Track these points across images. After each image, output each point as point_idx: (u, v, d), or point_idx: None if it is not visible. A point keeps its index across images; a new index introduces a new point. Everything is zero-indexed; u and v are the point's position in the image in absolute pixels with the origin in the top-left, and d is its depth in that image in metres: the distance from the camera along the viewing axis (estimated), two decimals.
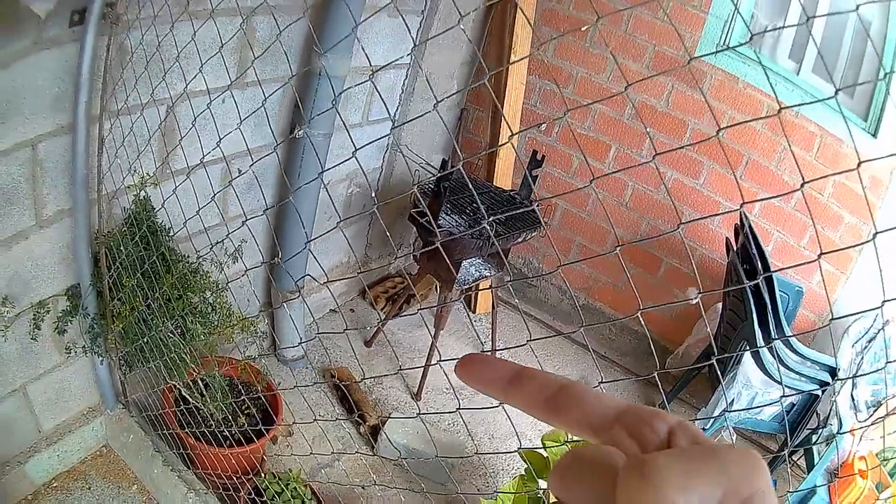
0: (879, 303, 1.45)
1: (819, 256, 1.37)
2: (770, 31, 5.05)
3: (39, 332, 3.29)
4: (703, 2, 4.99)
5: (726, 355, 4.51)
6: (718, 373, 4.44)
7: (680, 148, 5.04)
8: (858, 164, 1.35)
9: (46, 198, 3.09)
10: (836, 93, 1.38)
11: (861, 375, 4.22)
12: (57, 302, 3.38)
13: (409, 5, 4.76)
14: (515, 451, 2.17)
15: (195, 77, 2.89)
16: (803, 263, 4.89)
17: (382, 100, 4.91)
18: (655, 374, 1.76)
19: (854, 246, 4.62)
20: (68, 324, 3.42)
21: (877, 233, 1.31)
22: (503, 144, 5.60)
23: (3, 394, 3.34)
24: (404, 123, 5.31)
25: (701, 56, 5.10)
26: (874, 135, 4.61)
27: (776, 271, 4.67)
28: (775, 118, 4.64)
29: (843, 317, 3.80)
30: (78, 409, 3.82)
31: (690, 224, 5.11)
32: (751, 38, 3.45)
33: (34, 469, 3.61)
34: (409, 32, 4.90)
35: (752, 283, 4.16)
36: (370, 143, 2.58)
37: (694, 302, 1.66)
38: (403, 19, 4.69)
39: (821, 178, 4.13)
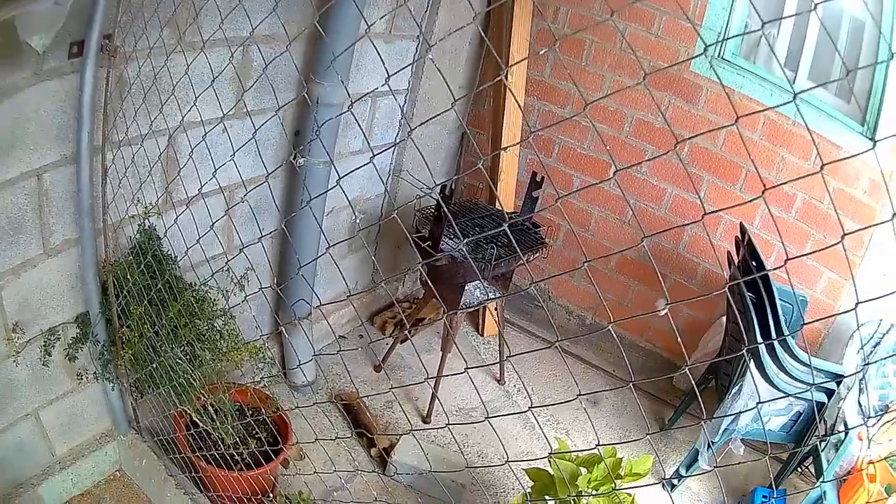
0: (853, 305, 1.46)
1: (842, 237, 1.37)
2: (744, 34, 5.08)
3: (51, 358, 3.34)
4: (696, 15, 5.01)
5: (735, 356, 4.52)
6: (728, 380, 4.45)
7: (656, 158, 5.07)
8: (822, 167, 1.38)
9: (53, 227, 3.14)
10: (795, 97, 1.39)
11: (862, 378, 4.23)
12: (67, 329, 3.42)
13: (404, 31, 4.79)
14: (505, 464, 2.18)
15: (190, 109, 2.92)
16: (803, 253, 4.89)
17: (360, 126, 4.92)
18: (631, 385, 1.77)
19: (869, 227, 4.59)
20: (79, 350, 3.47)
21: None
22: (493, 154, 5.62)
23: (16, 417, 3.38)
24: (398, 143, 5.33)
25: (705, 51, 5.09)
26: (872, 139, 4.62)
27: (773, 270, 4.68)
28: (774, 126, 4.66)
29: (844, 312, 3.79)
30: (91, 433, 3.85)
31: (692, 239, 5.14)
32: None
33: (48, 492, 3.64)
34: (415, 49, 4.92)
35: (747, 290, 4.18)
36: (356, 169, 2.60)
37: (662, 314, 1.68)
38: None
39: (786, 181, 4.16)
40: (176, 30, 3.07)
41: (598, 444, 2.05)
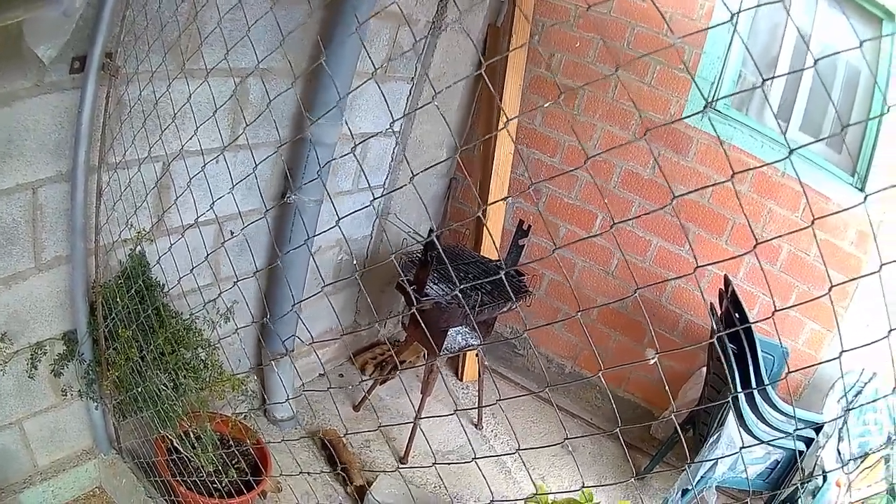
0: (837, 353, 1.48)
1: (829, 289, 1.41)
2: (749, 90, 5.13)
3: (37, 371, 3.35)
4: (690, 65, 5.07)
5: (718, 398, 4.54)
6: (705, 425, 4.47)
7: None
8: (812, 221, 1.41)
9: (45, 242, 3.16)
10: (791, 152, 1.42)
11: (842, 426, 4.26)
12: (54, 344, 3.44)
13: (399, 72, 4.84)
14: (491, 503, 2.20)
15: (191, 138, 2.95)
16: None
17: (361, 167, 4.95)
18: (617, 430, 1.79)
19: (856, 279, 4.63)
20: (64, 367, 3.48)
21: (883, 264, 1.36)
22: (487, 207, 5.66)
23: (0, 425, 3.39)
24: (393, 191, 5.36)
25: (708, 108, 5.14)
26: (862, 189, 4.67)
27: (758, 322, 4.72)
28: (763, 178, 4.71)
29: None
30: (72, 449, 3.85)
31: (675, 291, 5.18)
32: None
33: (28, 500, 3.63)
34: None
35: (729, 339, 4.22)
36: (354, 211, 2.65)
37: (651, 362, 1.71)
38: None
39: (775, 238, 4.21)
40: (178, 55, 3.11)
41: (584, 486, 2.08)
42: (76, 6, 2.43)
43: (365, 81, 2.90)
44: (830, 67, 4.92)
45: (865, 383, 4.49)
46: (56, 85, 2.84)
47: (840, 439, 4.31)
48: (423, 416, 4.81)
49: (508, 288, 1.83)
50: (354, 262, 5.32)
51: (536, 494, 3.22)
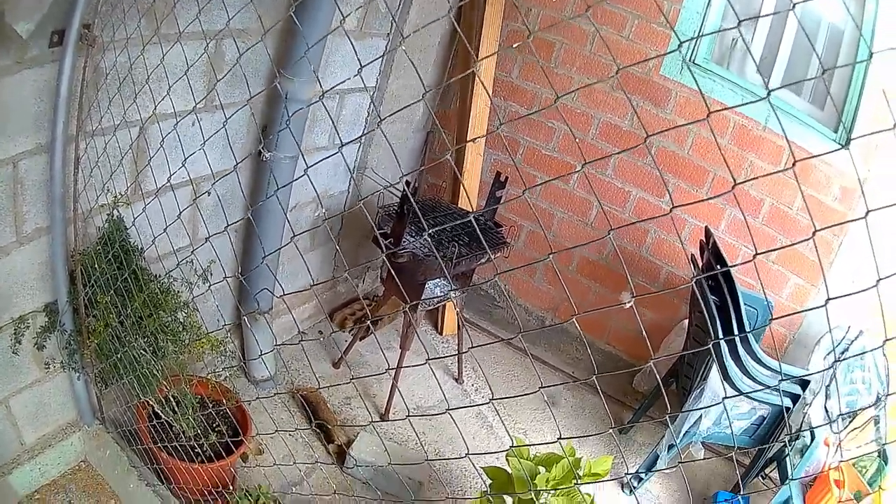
0: (823, 301, 1.44)
1: (813, 234, 1.36)
2: (719, 31, 5.09)
3: (20, 346, 3.32)
4: (669, 19, 5.02)
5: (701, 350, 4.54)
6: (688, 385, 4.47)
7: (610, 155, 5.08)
8: (794, 163, 1.37)
9: (26, 215, 3.12)
10: (769, 93, 1.39)
11: (829, 383, 4.26)
12: (36, 317, 3.41)
13: (374, 28, 4.78)
14: (465, 456, 2.17)
15: (163, 99, 2.91)
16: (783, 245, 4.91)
17: (333, 122, 4.91)
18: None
19: (843, 223, 4.61)
20: (47, 340, 3.45)
21: (869, 210, 1.31)
22: (457, 146, 5.63)
23: None
24: (358, 139, 5.31)
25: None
26: (846, 146, 4.64)
27: (738, 265, 4.70)
28: (743, 131, 4.69)
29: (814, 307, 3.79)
30: (57, 423, 3.84)
31: (656, 242, 5.15)
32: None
33: (18, 481, 3.62)
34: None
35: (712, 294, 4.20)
36: (322, 159, 2.62)
37: (627, 306, 1.66)
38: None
39: (754, 178, 4.18)
40: (153, 20, 3.05)
41: (560, 438, 2.05)
42: None
43: (330, 32, 2.86)
44: (813, 26, 4.89)
45: (852, 341, 4.47)
46: (36, 60, 2.81)
47: (827, 397, 4.30)
48: (401, 366, 4.80)
49: (481, 236, 1.79)
50: (324, 213, 5.25)
51: (513, 447, 3.19)
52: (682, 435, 4.47)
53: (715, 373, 4.28)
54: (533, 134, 5.83)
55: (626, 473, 4.90)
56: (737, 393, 4.25)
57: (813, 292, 5.08)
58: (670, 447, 4.53)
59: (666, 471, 4.64)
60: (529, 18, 5.60)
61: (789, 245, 4.32)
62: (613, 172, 5.55)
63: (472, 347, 2.28)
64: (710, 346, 1.74)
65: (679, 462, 3.65)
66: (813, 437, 4.29)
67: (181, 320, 3.51)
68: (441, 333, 6.17)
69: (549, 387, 2.11)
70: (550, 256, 1.72)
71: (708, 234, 4.60)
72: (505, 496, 3.48)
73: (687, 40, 5.04)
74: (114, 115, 3.18)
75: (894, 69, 4.41)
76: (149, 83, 3.07)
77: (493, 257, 4.97)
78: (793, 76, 5.03)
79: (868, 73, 4.60)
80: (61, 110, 2.90)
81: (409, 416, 2.33)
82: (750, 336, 4.35)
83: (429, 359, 2.16)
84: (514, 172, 5.31)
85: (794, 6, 1.42)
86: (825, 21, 4.84)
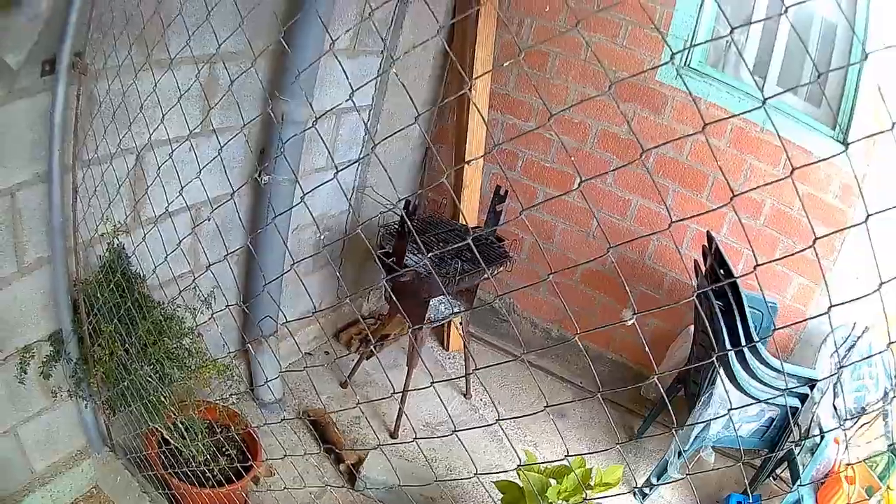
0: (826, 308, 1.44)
1: (814, 241, 1.37)
2: (713, 39, 5.09)
3: (26, 375, 3.33)
4: (662, 23, 5.01)
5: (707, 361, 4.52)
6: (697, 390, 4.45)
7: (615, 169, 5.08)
8: (792, 171, 1.37)
9: (27, 245, 3.13)
10: (765, 101, 1.39)
11: (837, 382, 4.25)
12: (41, 347, 3.41)
13: (368, 46, 4.78)
14: (473, 476, 2.17)
15: (158, 126, 2.92)
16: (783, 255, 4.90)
17: (326, 147, 4.90)
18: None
19: (842, 230, 4.61)
20: (52, 368, 3.45)
21: (869, 214, 1.32)
22: (460, 166, 5.62)
23: None
24: (355, 162, 5.31)
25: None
26: (843, 142, 4.63)
27: (742, 276, 4.69)
28: (741, 134, 4.68)
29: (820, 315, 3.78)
30: (67, 451, 3.84)
31: (658, 249, 5.14)
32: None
33: None
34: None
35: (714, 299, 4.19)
36: (320, 185, 2.64)
37: (629, 323, 1.66)
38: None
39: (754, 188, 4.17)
40: (144, 47, 3.06)
41: (567, 455, 2.04)
42: (41, 10, 2.39)
43: (323, 55, 2.86)
44: (806, 23, 4.88)
45: (858, 337, 4.46)
46: (27, 90, 2.81)
47: (835, 395, 4.29)
48: (408, 388, 4.79)
49: (475, 252, 1.79)
50: (322, 237, 5.25)
51: (522, 465, 3.18)
52: (691, 441, 4.46)
53: (722, 377, 4.27)
54: (531, 146, 5.82)
55: (635, 486, 4.87)
56: (745, 403, 4.24)
57: (817, 291, 5.06)
58: (681, 453, 4.51)
59: (677, 478, 4.63)
60: (522, 29, 5.59)
61: (789, 255, 4.31)
62: (614, 181, 5.54)
63: (477, 369, 2.28)
64: (715, 358, 1.74)
65: (688, 473, 3.64)
66: (822, 436, 4.28)
67: (186, 346, 3.51)
68: (447, 349, 6.15)
69: (554, 405, 2.10)
70: (550, 276, 1.72)
71: (710, 238, 4.59)
72: None
73: (678, 52, 5.04)
74: (109, 143, 3.18)
75: (889, 65, 4.41)
76: (143, 110, 3.06)
77: (492, 275, 4.96)
78: (789, 74, 5.01)
79: (863, 70, 4.60)
80: (56, 139, 2.92)
81: (416, 438, 2.32)
82: (755, 338, 4.34)
83: (433, 381, 2.15)
84: (513, 186, 5.30)
85: (785, 10, 1.41)
86: (818, 16, 4.83)
